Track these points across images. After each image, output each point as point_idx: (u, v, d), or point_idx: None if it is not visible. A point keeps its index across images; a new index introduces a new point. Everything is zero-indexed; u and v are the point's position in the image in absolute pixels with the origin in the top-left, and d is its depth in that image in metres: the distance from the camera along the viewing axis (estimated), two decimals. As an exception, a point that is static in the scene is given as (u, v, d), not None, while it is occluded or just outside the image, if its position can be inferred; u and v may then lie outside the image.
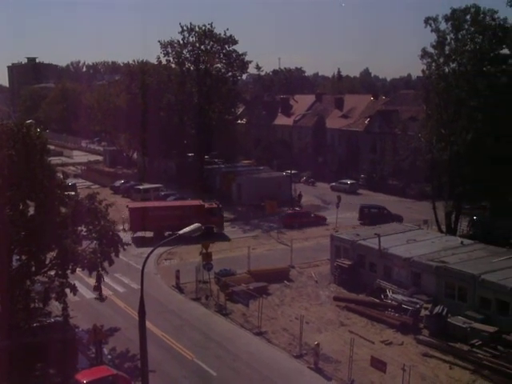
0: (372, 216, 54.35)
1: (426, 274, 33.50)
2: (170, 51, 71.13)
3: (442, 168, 48.59)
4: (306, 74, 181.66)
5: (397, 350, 28.28)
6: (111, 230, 28.69)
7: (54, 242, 26.37)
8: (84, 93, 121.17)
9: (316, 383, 25.46)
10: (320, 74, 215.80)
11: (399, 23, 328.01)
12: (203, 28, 69.52)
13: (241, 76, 76.67)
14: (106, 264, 28.62)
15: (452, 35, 46.68)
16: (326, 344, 28.34)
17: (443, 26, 46.61)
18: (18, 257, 26.63)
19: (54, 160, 44.69)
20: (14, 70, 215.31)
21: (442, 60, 47.50)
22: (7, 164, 24.97)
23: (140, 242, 46.83)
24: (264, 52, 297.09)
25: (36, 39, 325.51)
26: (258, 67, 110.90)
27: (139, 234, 49.44)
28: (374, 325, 31.39)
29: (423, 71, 48.96)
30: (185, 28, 69.63)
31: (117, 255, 29.02)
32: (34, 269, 26.51)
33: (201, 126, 72.09)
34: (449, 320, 29.71)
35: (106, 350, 27.89)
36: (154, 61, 77.54)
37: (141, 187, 66.74)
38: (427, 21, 46.83)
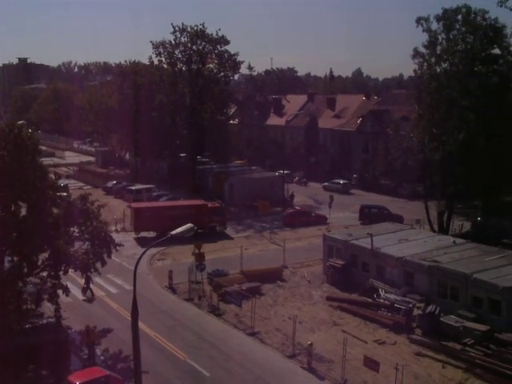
0: (372, 216, 53.87)
1: (418, 273, 33.60)
2: (161, 51, 70.91)
3: (434, 168, 48.72)
4: (298, 74, 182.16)
5: (390, 349, 28.34)
6: (103, 231, 28.62)
7: (46, 243, 26.23)
8: (76, 93, 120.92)
9: (309, 383, 25.47)
10: (312, 74, 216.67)
11: (391, 23, 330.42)
12: (195, 28, 69.44)
13: (233, 76, 76.61)
14: (98, 265, 28.51)
15: (443, 35, 46.96)
16: (319, 344, 28.33)
17: (435, 25, 47.00)
18: (9, 258, 26.47)
19: (46, 161, 44.32)
20: (4, 70, 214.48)
21: (433, 60, 47.74)
22: (-1, 165, 24.86)
23: (143, 243, 45.60)
24: (256, 52, 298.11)
25: (27, 39, 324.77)
26: (250, 67, 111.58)
27: (137, 234, 49.23)
28: (366, 324, 31.43)
29: (415, 71, 49.21)
30: (177, 28, 69.53)
31: (109, 256, 28.93)
32: (26, 270, 26.29)
33: (193, 127, 71.94)
34: (441, 319, 29.80)
35: (98, 351, 27.81)
36: (145, 61, 77.66)
37: (133, 188, 66.36)
38: (419, 21, 47.05)
